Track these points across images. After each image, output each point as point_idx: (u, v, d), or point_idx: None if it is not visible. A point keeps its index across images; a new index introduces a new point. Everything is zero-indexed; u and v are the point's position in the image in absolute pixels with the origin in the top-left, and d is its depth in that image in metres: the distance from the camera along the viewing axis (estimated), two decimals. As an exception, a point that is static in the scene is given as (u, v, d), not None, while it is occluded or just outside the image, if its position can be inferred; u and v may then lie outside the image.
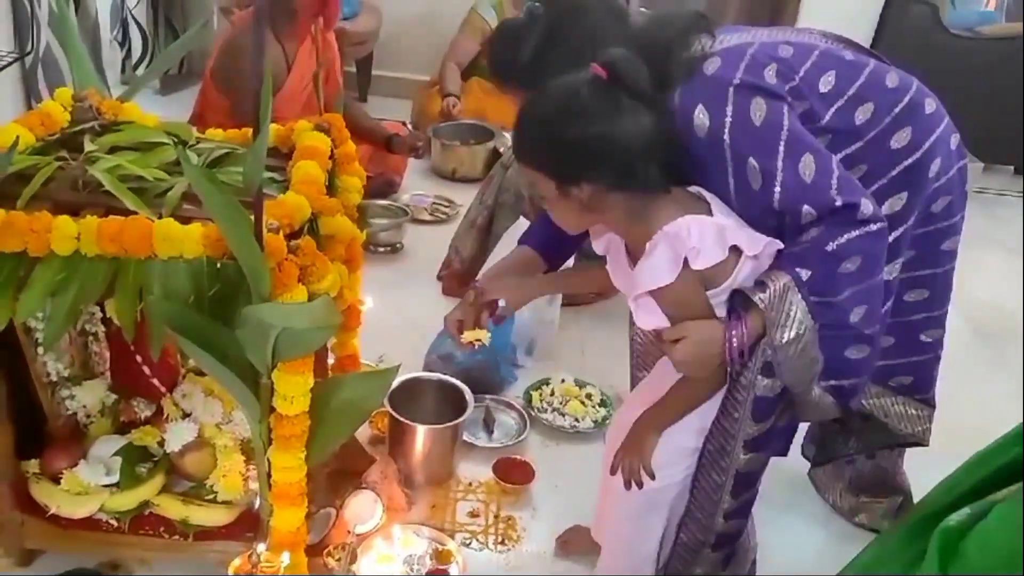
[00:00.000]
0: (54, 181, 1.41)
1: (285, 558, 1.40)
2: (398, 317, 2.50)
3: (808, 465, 1.98)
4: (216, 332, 1.28)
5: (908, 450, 1.85)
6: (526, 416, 2.15)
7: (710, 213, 1.32)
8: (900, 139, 1.41)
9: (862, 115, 1.39)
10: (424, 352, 2.25)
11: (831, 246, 1.29)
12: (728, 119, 1.31)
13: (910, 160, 1.42)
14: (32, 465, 1.57)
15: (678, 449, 1.46)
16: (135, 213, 1.30)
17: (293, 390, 1.33)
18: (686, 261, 1.26)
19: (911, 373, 1.64)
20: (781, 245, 1.33)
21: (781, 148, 1.30)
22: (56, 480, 1.54)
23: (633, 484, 1.45)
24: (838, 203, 1.28)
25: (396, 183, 3.29)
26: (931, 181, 1.45)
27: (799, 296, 1.29)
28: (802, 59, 1.38)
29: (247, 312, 1.21)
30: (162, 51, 3.99)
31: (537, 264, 1.62)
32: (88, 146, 1.48)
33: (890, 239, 1.36)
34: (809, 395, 1.38)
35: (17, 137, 1.21)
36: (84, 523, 1.53)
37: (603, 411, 2.21)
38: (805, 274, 1.29)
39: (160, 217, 1.30)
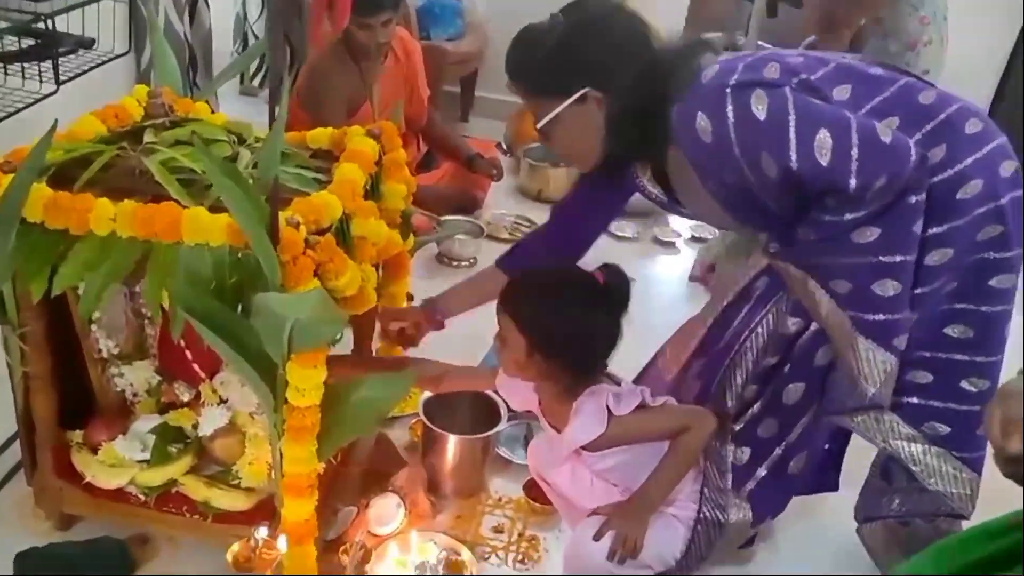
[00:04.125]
0: (113, 169, 1.51)
1: (282, 544, 1.43)
2: (461, 329, 2.51)
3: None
4: (234, 321, 1.33)
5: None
6: (568, 438, 2.12)
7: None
8: (934, 155, 1.35)
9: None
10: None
11: (855, 235, 1.33)
12: (731, 119, 1.30)
13: (940, 177, 1.36)
14: (76, 435, 1.66)
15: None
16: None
17: (305, 382, 1.37)
18: (610, 412, 1.48)
19: (949, 423, 1.51)
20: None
21: (792, 136, 1.28)
22: (95, 451, 1.63)
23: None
24: (852, 186, 1.27)
25: (479, 199, 3.33)
26: (969, 204, 1.37)
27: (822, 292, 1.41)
28: (814, 68, 1.37)
29: (256, 300, 1.25)
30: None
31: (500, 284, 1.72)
32: (147, 138, 1.57)
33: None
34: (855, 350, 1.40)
35: (55, 121, 1.29)
36: (115, 494, 1.61)
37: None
38: (843, 287, 1.38)
39: (203, 207, 1.37)
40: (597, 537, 1.49)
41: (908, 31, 2.34)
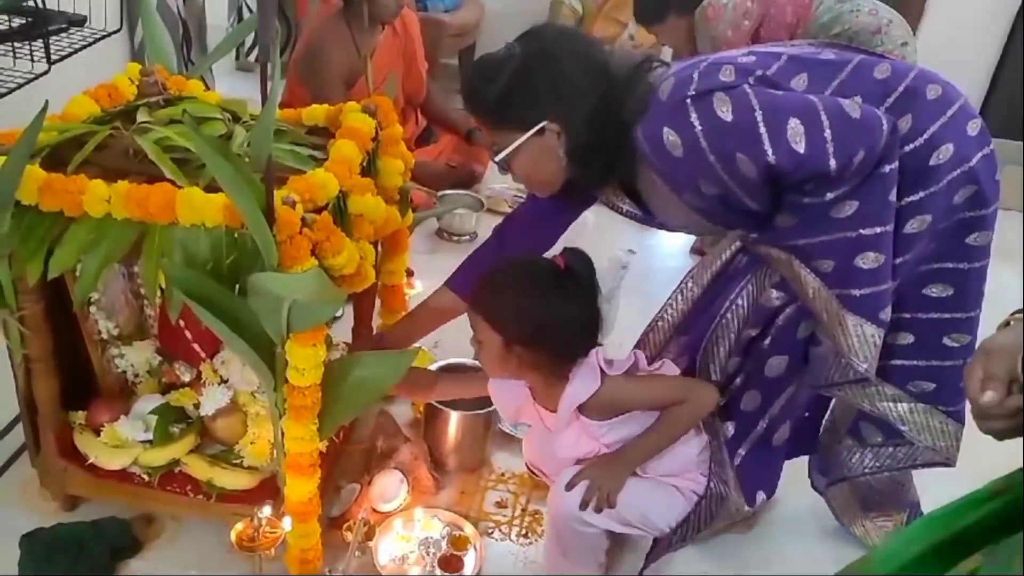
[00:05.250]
0: (107, 149, 1.50)
1: (286, 524, 1.44)
2: (459, 330, 2.50)
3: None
4: (232, 301, 1.33)
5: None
6: (570, 412, 2.12)
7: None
8: (901, 126, 1.35)
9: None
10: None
11: (833, 211, 1.34)
12: (698, 128, 1.32)
13: (911, 146, 1.36)
14: (79, 416, 1.66)
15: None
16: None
17: (305, 362, 1.36)
18: (603, 372, 1.48)
19: (934, 379, 1.51)
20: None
21: (763, 131, 1.29)
22: (98, 432, 1.63)
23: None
24: (833, 167, 1.28)
25: (479, 173, 3.31)
26: (943, 169, 1.37)
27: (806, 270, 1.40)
28: (767, 63, 1.40)
29: (251, 280, 1.24)
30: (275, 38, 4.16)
31: (455, 307, 1.75)
32: (141, 117, 1.56)
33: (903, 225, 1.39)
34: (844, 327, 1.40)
35: (46, 102, 1.27)
36: (118, 475, 1.62)
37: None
38: (826, 265, 1.37)
39: (198, 187, 1.36)
40: (570, 486, 1.50)
41: (865, 24, 2.36)
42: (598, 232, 3.02)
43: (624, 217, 1.62)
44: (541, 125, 1.42)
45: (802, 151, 1.28)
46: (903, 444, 1.62)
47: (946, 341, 1.49)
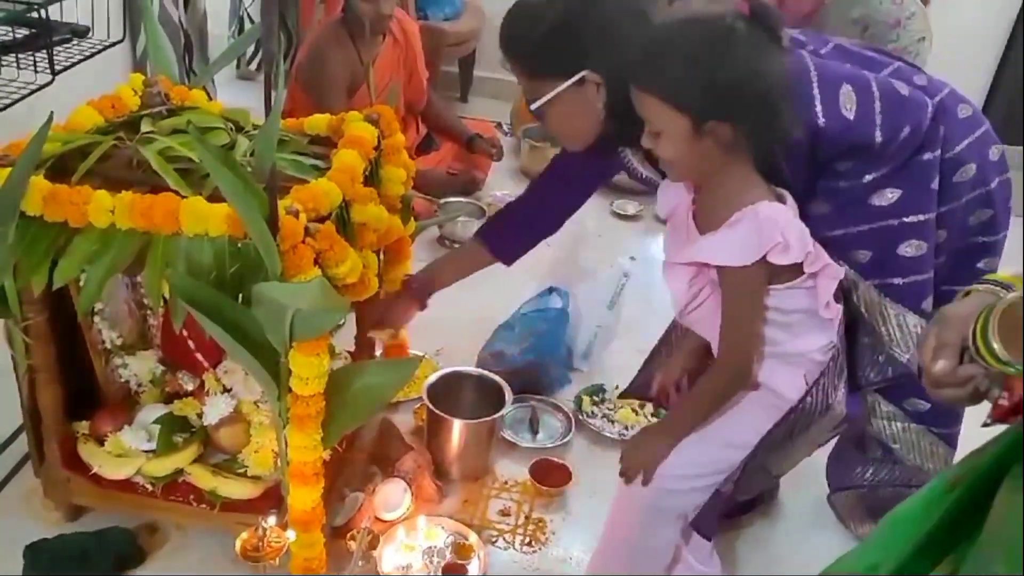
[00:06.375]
0: (110, 159, 1.50)
1: (290, 535, 1.43)
2: (463, 311, 2.51)
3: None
4: (235, 310, 1.33)
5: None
6: (572, 420, 2.12)
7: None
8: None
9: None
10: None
11: (873, 198, 1.34)
12: None
13: (941, 156, 1.36)
14: (82, 426, 1.66)
15: (695, 462, 1.41)
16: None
17: (308, 371, 1.37)
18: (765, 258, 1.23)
19: (928, 399, 1.49)
20: (840, 274, 1.31)
21: (816, 92, 1.29)
22: (101, 442, 1.64)
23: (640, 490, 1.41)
24: (879, 139, 1.29)
25: (480, 180, 3.32)
26: (963, 188, 1.38)
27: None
28: (817, 45, 1.39)
29: (255, 289, 1.25)
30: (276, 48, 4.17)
31: (485, 257, 1.74)
32: (144, 127, 1.56)
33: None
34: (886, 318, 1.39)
35: (51, 113, 1.28)
36: (122, 484, 1.61)
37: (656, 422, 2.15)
38: (864, 255, 1.37)
39: (202, 197, 1.36)
40: (630, 476, 1.40)
41: (886, 13, 2.34)
42: (600, 240, 3.04)
43: (640, 184, 1.58)
44: (581, 75, 1.37)
45: (851, 118, 1.28)
46: (901, 463, 1.62)
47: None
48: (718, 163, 1.23)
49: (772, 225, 1.21)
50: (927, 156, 1.34)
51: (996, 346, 0.80)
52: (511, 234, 1.76)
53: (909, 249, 1.36)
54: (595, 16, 1.36)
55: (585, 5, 1.37)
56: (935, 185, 1.35)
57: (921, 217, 1.35)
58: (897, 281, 1.38)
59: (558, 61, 1.38)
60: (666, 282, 1.37)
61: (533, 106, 1.44)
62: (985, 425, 0.88)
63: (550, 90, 1.41)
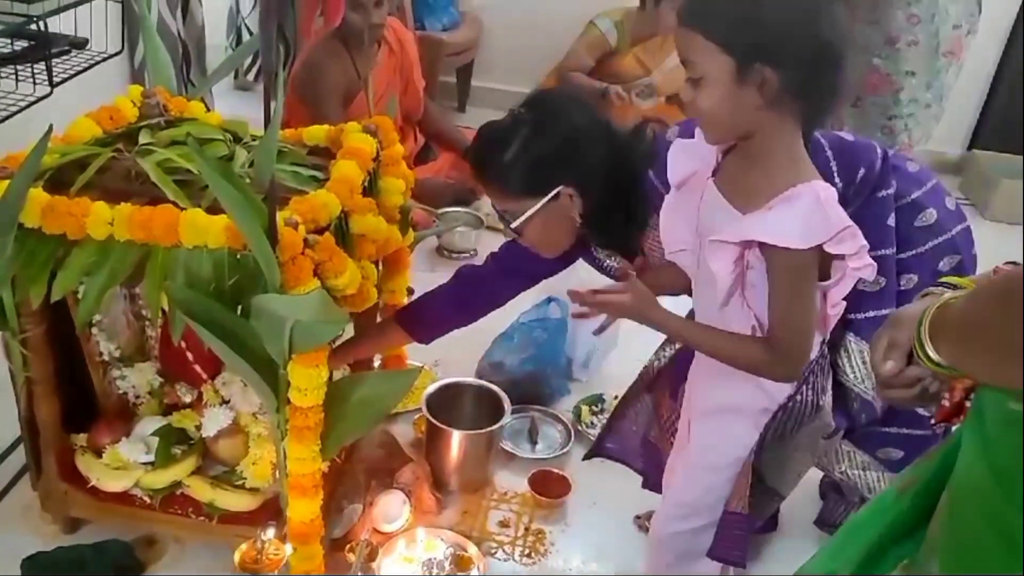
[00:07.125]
0: (109, 171, 1.50)
1: (289, 547, 1.43)
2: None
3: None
4: (234, 322, 1.33)
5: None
6: (572, 430, 2.12)
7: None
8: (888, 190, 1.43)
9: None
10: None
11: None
12: None
13: (899, 204, 1.43)
14: (80, 439, 1.66)
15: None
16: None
17: (307, 382, 1.36)
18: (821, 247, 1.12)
19: (902, 447, 1.53)
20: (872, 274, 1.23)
21: None
22: (99, 454, 1.63)
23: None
24: (839, 186, 1.33)
25: (478, 191, 3.31)
26: (927, 233, 1.44)
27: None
28: None
29: (254, 301, 1.25)
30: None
31: (400, 340, 1.73)
32: (143, 139, 1.56)
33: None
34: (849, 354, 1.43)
35: (50, 126, 1.28)
36: (120, 497, 1.61)
37: (654, 431, 2.15)
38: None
39: (201, 209, 1.36)
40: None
41: (892, 24, 2.31)
42: (598, 249, 3.04)
43: (606, 276, 1.59)
44: (557, 190, 1.40)
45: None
46: None
47: (920, 410, 1.46)
48: (762, 121, 1.11)
49: (837, 209, 1.11)
50: (881, 194, 1.40)
51: (928, 348, 0.79)
52: (431, 320, 1.71)
53: (870, 285, 1.38)
54: (560, 131, 1.38)
55: (548, 123, 1.38)
56: (891, 221, 1.41)
57: (881, 252, 1.36)
58: (859, 316, 1.40)
59: (531, 181, 1.40)
60: (697, 265, 1.25)
61: (513, 225, 1.46)
62: (932, 426, 0.88)
63: (526, 208, 1.42)
